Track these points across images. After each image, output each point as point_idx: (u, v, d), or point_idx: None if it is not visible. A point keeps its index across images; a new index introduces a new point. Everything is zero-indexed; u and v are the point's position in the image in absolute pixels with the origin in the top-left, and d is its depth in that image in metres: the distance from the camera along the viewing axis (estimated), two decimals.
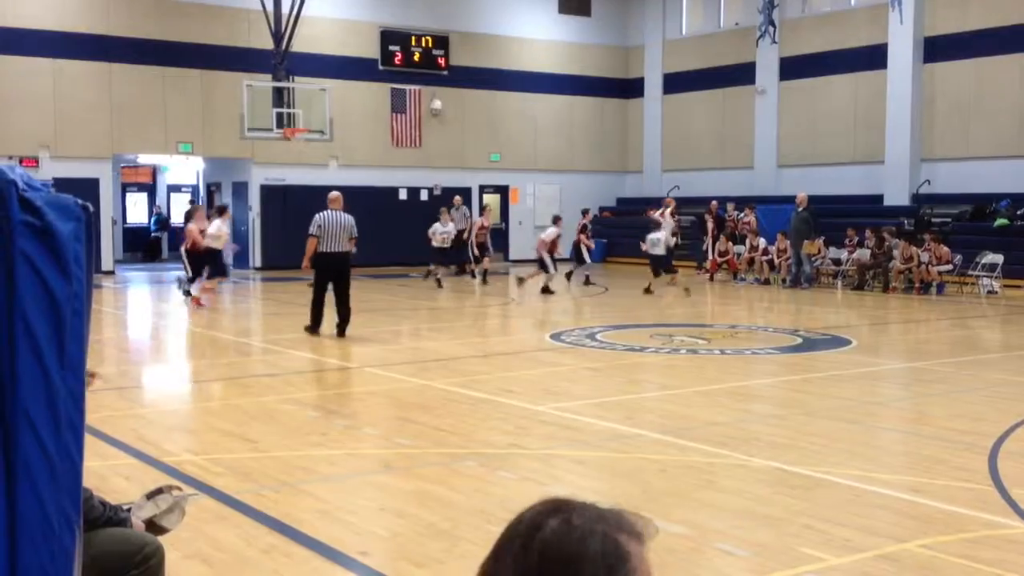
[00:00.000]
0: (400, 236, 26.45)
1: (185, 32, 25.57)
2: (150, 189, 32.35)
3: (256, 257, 26.90)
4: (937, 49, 24.62)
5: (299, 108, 22.50)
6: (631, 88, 32.71)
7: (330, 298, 13.75)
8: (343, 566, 5.15)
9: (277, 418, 8.79)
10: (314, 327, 13.86)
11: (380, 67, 28.32)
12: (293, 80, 22.71)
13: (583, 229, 22.70)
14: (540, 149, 31.36)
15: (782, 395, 10.16)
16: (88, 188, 23.26)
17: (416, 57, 28.84)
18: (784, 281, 22.67)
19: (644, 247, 20.80)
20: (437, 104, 29.14)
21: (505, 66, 30.47)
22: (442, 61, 29.22)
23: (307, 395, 10.17)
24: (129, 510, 3.80)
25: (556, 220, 21.51)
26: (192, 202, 20.08)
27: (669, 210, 22.77)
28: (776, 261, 23.19)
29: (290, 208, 25.40)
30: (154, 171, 32.14)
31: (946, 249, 20.87)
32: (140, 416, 9.03)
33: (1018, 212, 22.20)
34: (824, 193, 25.47)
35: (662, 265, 20.49)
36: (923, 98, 24.94)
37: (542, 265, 20.65)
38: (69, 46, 24.31)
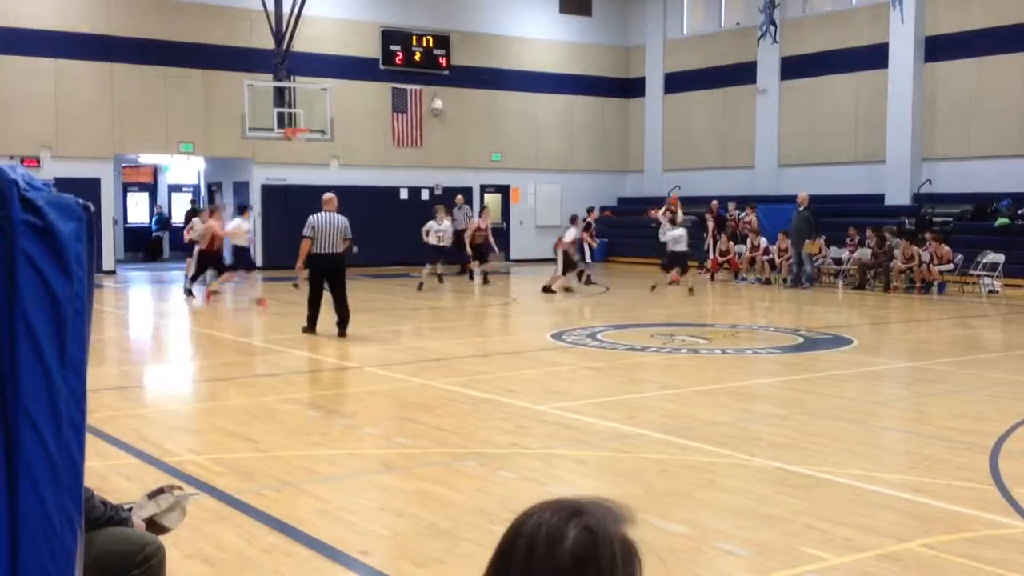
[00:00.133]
0: (401, 236, 26.43)
1: (186, 32, 25.58)
2: (151, 189, 32.36)
3: (257, 257, 26.87)
4: (938, 49, 24.61)
5: (300, 108, 22.50)
6: (632, 88, 32.70)
7: (328, 299, 13.78)
8: (344, 566, 5.16)
9: (278, 418, 8.79)
10: (311, 327, 13.93)
11: (381, 67, 28.33)
12: (294, 80, 22.72)
13: (587, 228, 22.72)
14: (541, 149, 31.36)
15: (783, 395, 10.16)
16: (89, 188, 23.28)
17: (417, 57, 28.84)
18: (785, 281, 22.66)
19: (668, 245, 20.78)
20: (438, 104, 29.15)
21: (506, 66, 30.47)
22: (443, 61, 29.22)
23: (308, 395, 10.18)
24: (130, 510, 3.80)
25: (574, 220, 21.46)
26: (214, 204, 20.20)
27: (669, 209, 22.80)
28: (777, 261, 23.18)
29: (291, 208, 25.39)
30: (155, 171, 32.15)
31: (947, 248, 20.87)
32: (141, 416, 9.03)
33: (1019, 211, 22.19)
34: (825, 193, 25.46)
35: (681, 263, 20.57)
36: (924, 98, 24.93)
37: (567, 264, 20.59)
38: (70, 46, 24.32)
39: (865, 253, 21.90)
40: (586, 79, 31.97)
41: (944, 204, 23.92)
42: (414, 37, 28.76)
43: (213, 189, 29.61)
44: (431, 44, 29.03)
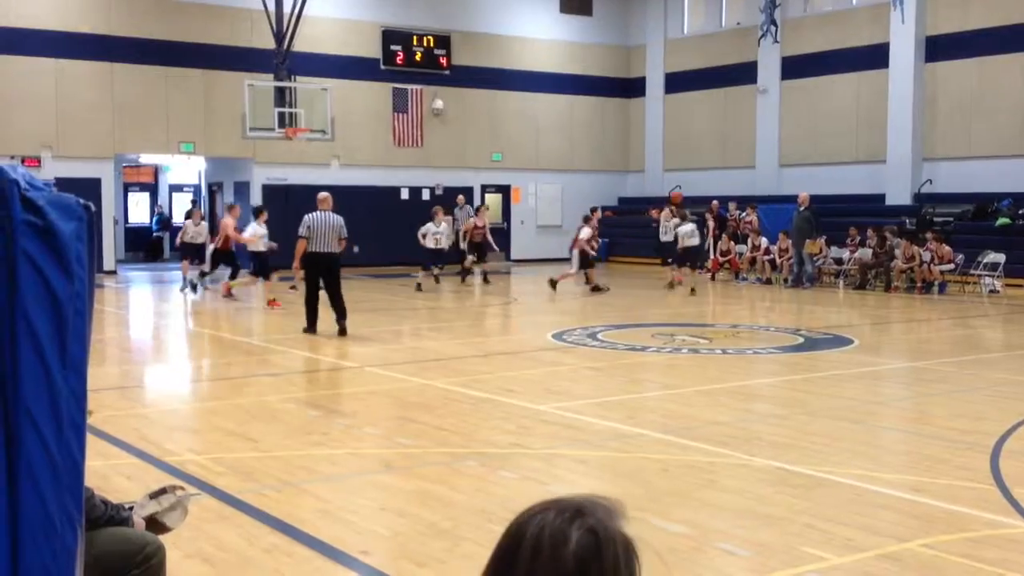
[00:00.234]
0: (401, 236, 26.38)
1: (187, 32, 25.58)
2: (152, 189, 32.36)
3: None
4: (939, 48, 24.61)
5: (301, 108, 22.49)
6: (633, 88, 32.70)
7: (324, 298, 13.81)
8: (345, 565, 5.16)
9: (279, 418, 8.79)
10: (310, 327, 13.96)
11: (382, 67, 28.33)
12: (295, 80, 22.72)
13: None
14: (542, 149, 31.36)
15: (784, 395, 10.16)
16: (90, 188, 23.29)
17: (418, 57, 28.84)
18: (786, 281, 22.66)
19: (681, 241, 20.80)
20: (439, 104, 29.15)
21: (507, 66, 30.48)
22: (444, 61, 29.22)
23: (308, 395, 10.18)
24: (131, 509, 3.80)
25: (587, 219, 21.43)
26: (231, 203, 20.19)
27: (672, 206, 22.80)
28: (778, 261, 23.18)
29: (292, 208, 25.36)
30: (156, 171, 32.16)
31: (948, 248, 20.87)
32: (142, 416, 9.04)
33: (1020, 211, 22.18)
34: (826, 192, 25.46)
35: (693, 258, 20.60)
36: (925, 97, 24.92)
37: (583, 262, 20.59)
38: (71, 46, 24.33)
39: (866, 253, 21.89)
40: (587, 79, 31.97)
41: (945, 204, 23.91)
42: (415, 37, 28.76)
43: (214, 189, 29.62)
44: (432, 44, 29.03)
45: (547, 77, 31.17)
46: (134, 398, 10.09)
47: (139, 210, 31.93)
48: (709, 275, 24.47)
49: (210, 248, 19.32)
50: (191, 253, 20.60)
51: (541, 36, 31.07)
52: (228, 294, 18.95)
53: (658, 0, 31.59)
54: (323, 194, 14.31)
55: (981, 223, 22.52)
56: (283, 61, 22.39)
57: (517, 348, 13.36)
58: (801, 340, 13.73)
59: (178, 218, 30.64)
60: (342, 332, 13.69)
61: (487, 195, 30.56)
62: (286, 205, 26.20)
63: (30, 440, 2.02)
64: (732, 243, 24.63)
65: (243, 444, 7.73)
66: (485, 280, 22.87)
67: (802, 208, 22.25)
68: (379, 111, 28.34)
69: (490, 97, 30.19)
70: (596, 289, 20.53)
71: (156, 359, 13.33)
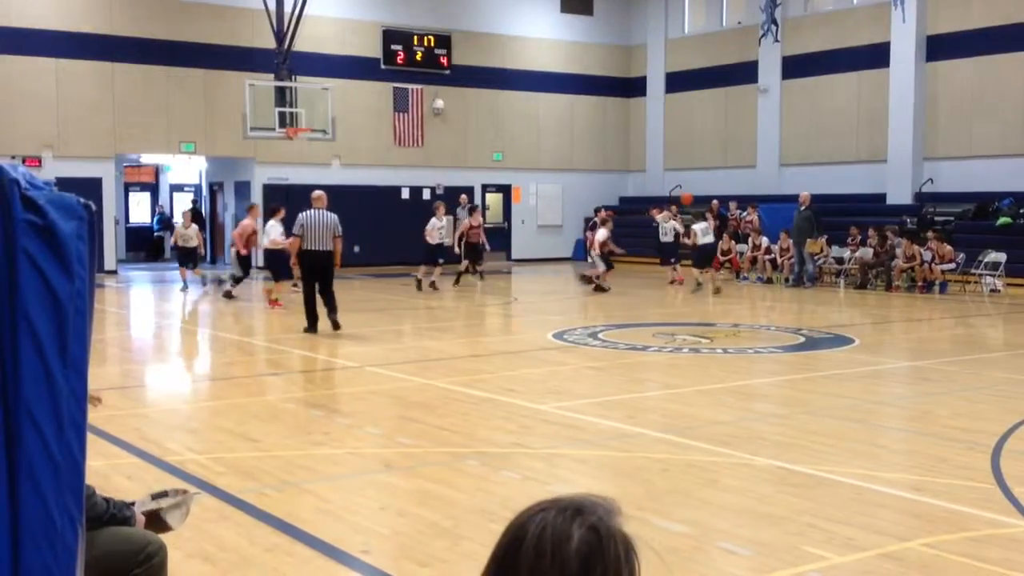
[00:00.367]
0: (402, 235, 26.43)
1: (188, 32, 25.58)
2: (153, 189, 32.38)
3: (259, 256, 26.85)
4: (940, 47, 24.59)
5: (302, 107, 22.49)
6: (633, 87, 32.69)
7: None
8: (345, 565, 5.16)
9: (279, 417, 8.79)
10: (311, 327, 13.98)
11: (382, 66, 28.33)
12: (295, 79, 22.72)
13: (592, 227, 22.73)
14: (542, 148, 31.36)
15: (785, 394, 10.16)
16: (91, 188, 23.29)
17: (418, 56, 28.84)
18: (787, 280, 22.66)
19: (691, 240, 20.85)
20: (439, 103, 29.14)
21: (507, 65, 30.47)
22: (444, 60, 29.21)
23: (309, 394, 10.18)
24: (133, 504, 3.79)
25: (604, 221, 21.45)
26: (251, 204, 19.88)
27: (668, 211, 22.81)
28: (779, 260, 23.18)
29: (292, 207, 25.33)
30: (157, 171, 32.17)
31: (949, 248, 20.87)
32: (142, 415, 9.04)
33: (1021, 211, 22.17)
34: (827, 192, 25.45)
35: (708, 257, 20.63)
36: (926, 97, 24.91)
37: (607, 262, 20.68)
38: (72, 46, 24.33)
39: (867, 252, 21.89)
40: (587, 78, 31.96)
41: (946, 203, 23.90)
42: (415, 37, 28.76)
43: (215, 189, 29.62)
44: (432, 44, 29.03)
45: (548, 77, 31.16)
46: (135, 398, 10.09)
47: (140, 210, 31.95)
48: (693, 264, 24.42)
49: (233, 252, 18.96)
50: (185, 257, 20.37)
51: (542, 36, 31.07)
52: (276, 300, 17.60)
53: (659, 0, 31.60)
54: (317, 192, 14.39)
55: (982, 222, 22.51)
56: (284, 61, 22.39)
57: (518, 347, 13.37)
58: (802, 339, 13.73)
59: (179, 218, 30.64)
60: (335, 326, 13.77)
61: (488, 195, 30.58)
62: (287, 205, 26.20)
63: (31, 440, 2.01)
64: (733, 242, 24.63)
65: (244, 444, 7.73)
66: (480, 277, 22.77)
67: (803, 207, 22.25)
68: (380, 111, 28.34)
69: (491, 97, 30.18)
70: (599, 288, 20.57)
71: (157, 359, 13.33)
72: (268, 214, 18.81)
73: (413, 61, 28.75)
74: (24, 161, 23.25)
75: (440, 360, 12.05)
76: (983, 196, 23.12)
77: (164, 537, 3.83)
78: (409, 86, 28.71)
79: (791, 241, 22.49)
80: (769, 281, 23.09)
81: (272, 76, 22.55)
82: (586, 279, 21.00)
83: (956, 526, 5.66)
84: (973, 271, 20.66)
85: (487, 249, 23.30)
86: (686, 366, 11.63)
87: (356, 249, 25.64)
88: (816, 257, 22.51)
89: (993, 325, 16.38)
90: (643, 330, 14.57)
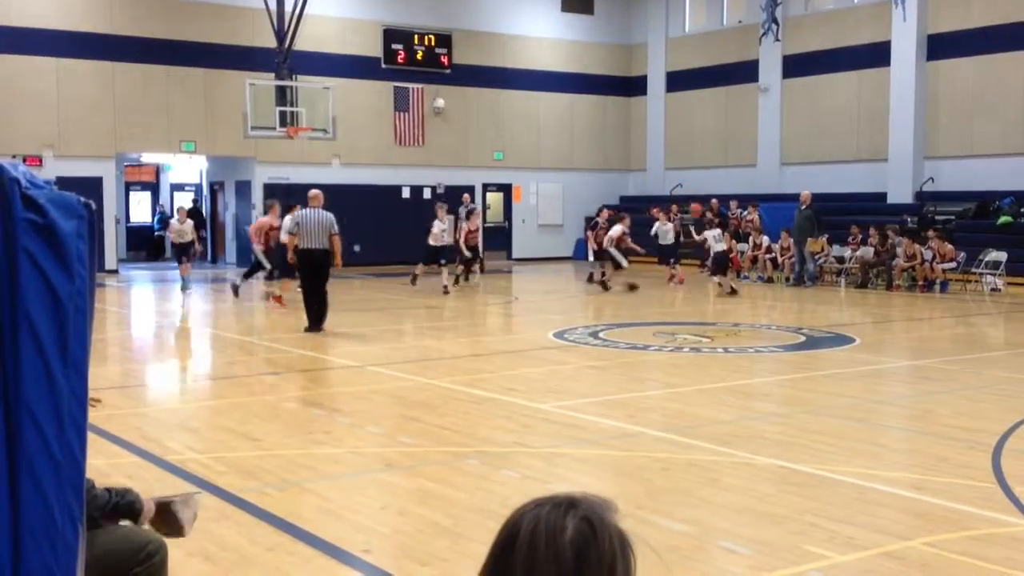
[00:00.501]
0: (402, 235, 26.43)
1: (188, 31, 25.58)
2: (153, 188, 32.38)
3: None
4: (940, 46, 24.59)
5: (302, 107, 22.49)
6: (634, 86, 32.69)
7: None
8: (346, 564, 5.16)
9: (280, 416, 8.79)
10: (311, 325, 13.99)
11: (383, 65, 28.33)
12: (296, 79, 22.72)
13: (594, 227, 22.73)
14: (543, 147, 31.36)
15: (785, 393, 10.15)
16: (91, 187, 23.30)
17: (419, 55, 28.84)
18: (788, 279, 22.66)
19: (708, 247, 20.89)
20: (440, 102, 29.14)
21: (508, 64, 30.47)
22: (445, 59, 29.22)
23: (310, 393, 10.18)
24: (129, 491, 3.71)
25: (622, 218, 21.45)
26: (271, 201, 19.56)
27: (667, 214, 22.89)
28: (780, 259, 23.18)
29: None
30: (157, 170, 32.17)
31: (950, 247, 20.86)
32: (143, 414, 9.04)
33: (1021, 210, 22.17)
34: (828, 191, 25.46)
35: (723, 263, 20.66)
36: (926, 95, 24.91)
37: (615, 262, 20.66)
38: (73, 45, 24.33)
39: (868, 251, 21.89)
40: (588, 77, 31.96)
41: (946, 202, 23.90)
42: (416, 36, 28.76)
43: (215, 188, 29.63)
44: (433, 43, 29.02)
45: (548, 76, 31.16)
46: (135, 397, 10.09)
47: (140, 209, 31.96)
48: (710, 274, 24.44)
49: (258, 249, 18.77)
50: (181, 253, 20.32)
51: (542, 35, 31.07)
52: (278, 296, 17.71)
53: None
54: (314, 191, 14.45)
55: (982, 221, 22.51)
56: (284, 60, 22.39)
57: (519, 347, 13.37)
58: (803, 339, 13.72)
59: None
60: (318, 328, 13.85)
61: (488, 194, 30.58)
62: (287, 205, 26.23)
63: (31, 439, 2.01)
64: (734, 242, 24.61)
65: (245, 443, 7.73)
66: (466, 279, 22.53)
67: (804, 206, 22.24)
68: (380, 110, 28.34)
69: (491, 96, 30.18)
70: (603, 286, 20.65)
71: (157, 358, 13.33)
72: (284, 211, 18.76)
73: (414, 60, 28.75)
74: (25, 160, 23.23)
75: (441, 359, 12.05)
76: (984, 195, 23.13)
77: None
78: (410, 85, 28.71)
79: (792, 240, 22.48)
80: (770, 280, 23.09)
81: (273, 75, 22.56)
82: (603, 285, 20.93)
83: (957, 525, 5.66)
84: (974, 270, 20.66)
85: (480, 256, 23.01)
86: (687, 365, 11.62)
87: (356, 248, 25.65)
88: (817, 256, 22.51)
89: (994, 324, 16.37)
90: (644, 329, 14.57)
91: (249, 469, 6.93)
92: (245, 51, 25.72)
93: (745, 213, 25.47)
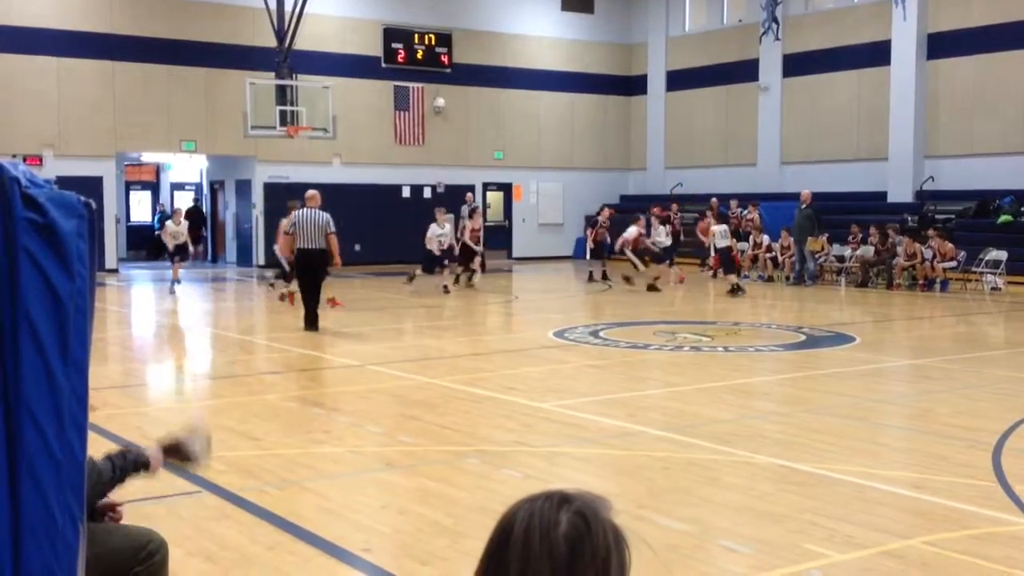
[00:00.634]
0: (402, 234, 26.43)
1: (189, 31, 25.58)
2: (154, 187, 32.37)
3: (260, 255, 26.90)
4: (941, 45, 24.58)
5: (302, 106, 22.49)
6: (634, 85, 32.68)
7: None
8: (346, 563, 5.16)
9: (280, 415, 8.80)
10: (311, 324, 14.03)
11: (383, 65, 28.32)
12: (296, 78, 22.72)
13: (593, 224, 22.73)
14: (543, 146, 31.35)
15: (785, 392, 10.16)
16: (92, 186, 23.29)
17: (419, 55, 28.83)
18: (788, 278, 22.66)
19: (715, 243, 20.91)
20: (440, 102, 29.14)
21: (508, 63, 30.47)
22: (445, 59, 29.21)
23: (310, 392, 10.18)
24: (128, 450, 3.66)
25: (636, 219, 21.48)
26: (291, 201, 19.37)
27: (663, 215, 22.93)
28: (780, 258, 23.18)
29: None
30: (157, 169, 32.16)
31: (950, 246, 20.86)
32: (143, 414, 9.04)
33: (1022, 208, 22.17)
34: (828, 190, 25.45)
35: (729, 260, 20.69)
36: (927, 94, 24.90)
37: (633, 264, 20.76)
38: (73, 45, 24.33)
39: (868, 250, 21.89)
40: (588, 77, 31.96)
41: (947, 201, 23.90)
42: (416, 35, 28.75)
43: (215, 187, 29.63)
44: (433, 42, 29.02)
45: (549, 75, 31.16)
46: (136, 396, 10.10)
47: (141, 208, 31.94)
48: (711, 273, 24.44)
49: (283, 260, 18.65)
50: (175, 254, 20.24)
51: (543, 34, 31.06)
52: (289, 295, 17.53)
53: None
54: (310, 192, 14.53)
55: (983, 220, 22.51)
56: (284, 59, 22.39)
57: (519, 346, 13.37)
58: (803, 338, 13.72)
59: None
60: (308, 327, 13.90)
61: (489, 193, 30.58)
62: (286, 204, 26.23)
63: (31, 438, 2.01)
64: (734, 240, 24.60)
65: (245, 442, 7.74)
66: (469, 280, 22.47)
67: (804, 205, 22.25)
68: (380, 109, 28.34)
69: (492, 95, 30.17)
70: (601, 281, 20.82)
71: (158, 357, 13.33)
72: (285, 211, 18.72)
73: (414, 59, 28.74)
74: (25, 160, 23.23)
75: (441, 358, 12.05)
76: (984, 194, 23.12)
77: (165, 536, 3.82)
78: (410, 84, 28.70)
79: (792, 239, 22.49)
80: (770, 279, 23.09)
81: (273, 74, 22.56)
82: (627, 279, 20.96)
83: (957, 524, 5.66)
84: (974, 269, 20.66)
85: (480, 254, 22.90)
86: (687, 364, 11.63)
87: (357, 248, 25.64)
88: (817, 255, 22.51)
89: (994, 323, 16.37)
90: (644, 328, 14.57)
91: (249, 468, 6.94)
92: (245, 50, 25.72)
93: (745, 212, 25.46)
